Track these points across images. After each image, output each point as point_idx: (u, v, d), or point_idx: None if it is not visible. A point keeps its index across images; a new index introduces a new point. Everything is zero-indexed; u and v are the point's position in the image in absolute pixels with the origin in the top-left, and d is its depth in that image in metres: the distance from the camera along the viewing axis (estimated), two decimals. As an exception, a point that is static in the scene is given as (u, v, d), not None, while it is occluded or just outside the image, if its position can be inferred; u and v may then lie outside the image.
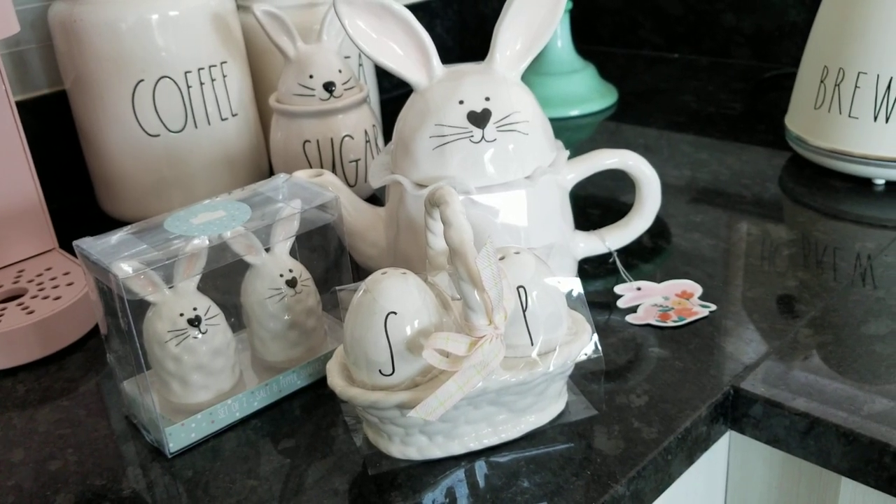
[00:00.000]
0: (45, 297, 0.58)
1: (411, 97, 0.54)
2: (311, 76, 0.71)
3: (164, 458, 0.46)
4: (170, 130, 0.72)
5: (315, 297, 0.51)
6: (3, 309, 0.57)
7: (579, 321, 0.45)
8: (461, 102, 0.51)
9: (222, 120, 0.75)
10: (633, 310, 0.55)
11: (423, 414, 0.39)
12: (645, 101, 0.99)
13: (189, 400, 0.47)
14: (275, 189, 0.53)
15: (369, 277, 0.43)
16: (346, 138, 0.72)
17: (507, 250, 0.44)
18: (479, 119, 0.50)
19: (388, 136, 0.77)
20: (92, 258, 0.45)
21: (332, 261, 0.55)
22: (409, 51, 0.52)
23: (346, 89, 0.72)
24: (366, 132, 0.73)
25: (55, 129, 0.81)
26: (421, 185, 0.52)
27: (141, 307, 0.46)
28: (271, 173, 0.83)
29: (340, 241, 0.53)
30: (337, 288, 0.44)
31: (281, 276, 0.50)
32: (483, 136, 0.50)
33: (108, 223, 0.77)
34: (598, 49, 1.21)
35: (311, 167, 0.72)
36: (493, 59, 0.53)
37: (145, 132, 0.72)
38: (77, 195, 0.82)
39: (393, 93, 1.09)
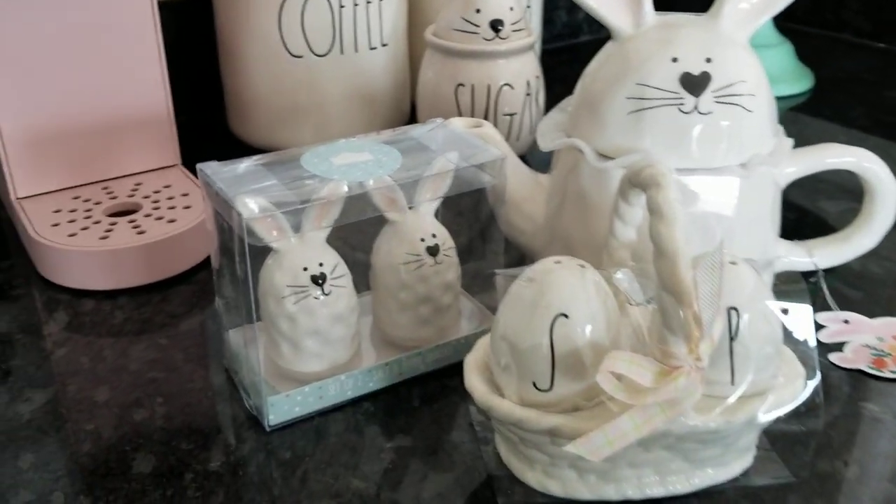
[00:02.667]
0: (159, 219, 0.52)
1: (608, 47, 0.44)
2: (477, 10, 0.62)
3: (262, 431, 0.39)
4: (314, 53, 0.65)
5: (456, 271, 0.43)
6: (114, 224, 0.52)
7: (789, 358, 0.36)
8: (674, 60, 0.41)
9: (371, 49, 0.67)
10: (838, 347, 0.45)
11: (584, 451, 0.31)
12: (845, 92, 0.85)
13: (299, 367, 0.40)
14: (428, 135, 0.44)
15: (538, 265, 0.34)
16: (505, 87, 0.63)
17: (720, 257, 0.34)
18: (695, 84, 0.40)
19: (549, 94, 0.67)
20: (215, 186, 0.38)
21: (478, 230, 0.46)
22: (616, -13, 0.42)
23: (513, 31, 0.63)
24: (528, 83, 0.64)
25: (194, 37, 0.75)
26: (605, 156, 0.42)
27: (261, 251, 0.39)
28: (412, 116, 0.75)
29: (493, 209, 0.45)
30: (497, 271, 0.35)
31: (422, 240, 0.42)
32: (696, 107, 0.40)
33: (234, 145, 0.71)
34: (789, 26, 1.06)
35: (460, 115, 0.64)
36: (719, 11, 0.42)
37: (289, 52, 0.65)
38: (206, 111, 0.77)
39: (553, 44, 0.99)
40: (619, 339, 0.33)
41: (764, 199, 0.44)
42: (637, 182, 0.34)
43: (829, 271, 0.50)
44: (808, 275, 0.49)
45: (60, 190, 0.56)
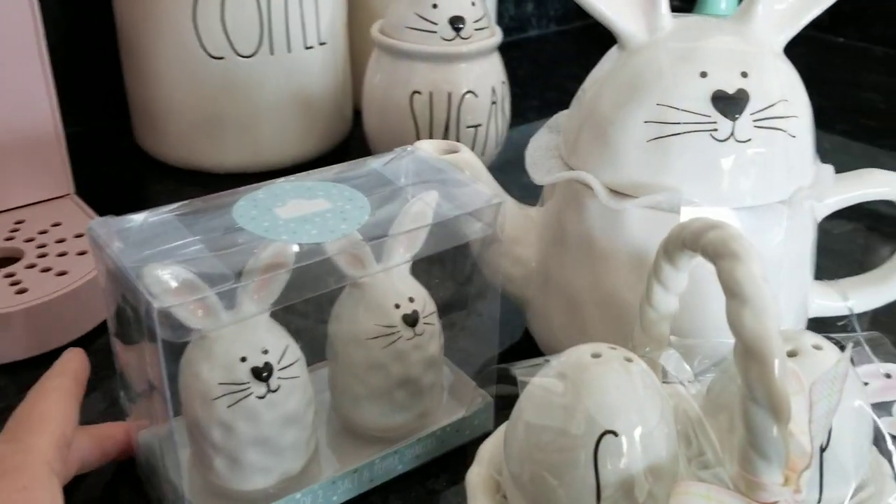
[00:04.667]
0: (46, 270, 0.41)
1: (614, 57, 0.36)
2: (434, 5, 0.53)
3: (190, 571, 0.30)
4: (238, 54, 0.55)
5: (439, 342, 0.34)
6: (-13, 278, 0.41)
7: (874, 461, 0.28)
8: (703, 75, 0.33)
9: (306, 48, 0.57)
10: (886, 410, 0.38)
11: None
12: (813, 91, 0.80)
13: (238, 485, 0.31)
14: (394, 167, 0.35)
15: (569, 357, 0.26)
16: (468, 95, 0.54)
17: (799, 339, 0.26)
18: (731, 105, 0.32)
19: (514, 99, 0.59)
20: (114, 259, 0.27)
21: (460, 283, 0.38)
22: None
23: (476, 30, 0.54)
24: (493, 90, 0.55)
25: (88, 33, 0.63)
26: (617, 192, 0.34)
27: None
28: (356, 124, 0.65)
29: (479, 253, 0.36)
30: (516, 369, 0.26)
31: (397, 307, 0.32)
32: (732, 132, 0.32)
33: (142, 163, 0.60)
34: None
35: (416, 126, 0.55)
36: (750, 13, 0.35)
37: (206, 52, 0.54)
38: (106, 121, 0.65)
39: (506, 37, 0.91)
40: (678, 456, 0.25)
41: (806, 237, 0.36)
42: (695, 245, 0.25)
43: (859, 315, 0.43)
44: (835, 319, 0.42)
45: (-83, 231, 0.44)
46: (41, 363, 0.39)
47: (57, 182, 0.48)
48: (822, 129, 0.35)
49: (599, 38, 0.39)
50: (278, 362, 0.29)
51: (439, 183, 0.34)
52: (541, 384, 0.25)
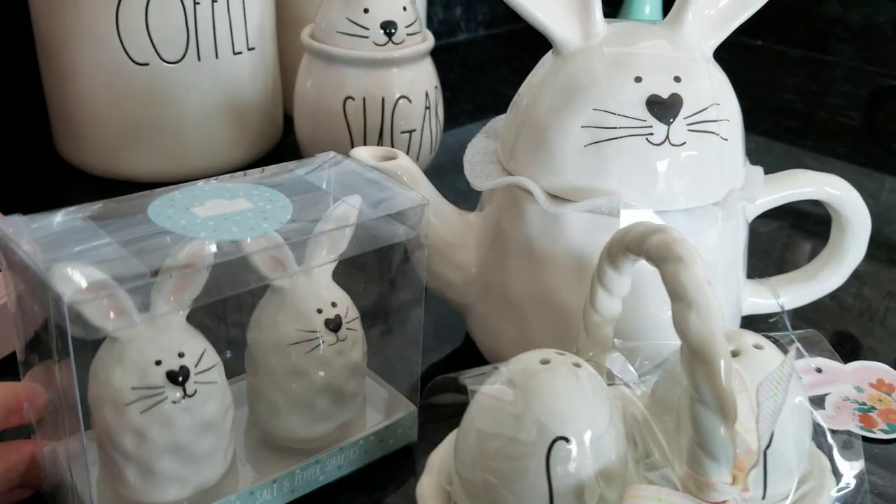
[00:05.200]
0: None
1: (549, 62, 0.36)
2: (365, 10, 0.52)
3: None
4: (163, 60, 0.53)
5: (362, 348, 0.34)
6: None
7: (813, 454, 0.29)
8: (638, 80, 0.33)
9: (235, 54, 0.56)
10: (819, 403, 0.39)
11: None
12: (736, 93, 0.82)
13: (150, 497, 0.29)
14: (318, 172, 0.35)
15: (517, 364, 0.26)
16: (402, 100, 0.54)
17: (740, 339, 0.27)
18: (665, 109, 0.33)
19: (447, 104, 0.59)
20: (20, 254, 0.26)
21: (386, 286, 0.37)
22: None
23: (408, 34, 0.54)
24: (427, 95, 0.55)
25: (4, 38, 0.60)
26: (556, 197, 0.34)
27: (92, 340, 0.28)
28: (286, 131, 0.64)
29: (405, 258, 0.36)
30: (465, 378, 0.26)
31: (319, 311, 0.32)
32: (667, 136, 0.33)
33: (63, 174, 0.58)
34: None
35: (349, 132, 0.54)
36: (680, 19, 0.35)
37: (130, 58, 0.52)
38: (22, 127, 0.62)
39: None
40: (627, 459, 0.25)
41: (739, 238, 0.37)
42: (638, 249, 0.26)
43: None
44: (765, 316, 0.43)
45: None
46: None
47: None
48: (745, 130, 0.36)
49: (528, 42, 0.39)
50: (195, 366, 0.28)
51: (364, 186, 0.33)
52: (490, 392, 0.25)
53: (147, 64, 0.53)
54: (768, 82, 0.86)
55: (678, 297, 0.23)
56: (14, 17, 0.59)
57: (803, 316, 0.46)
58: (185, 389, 0.28)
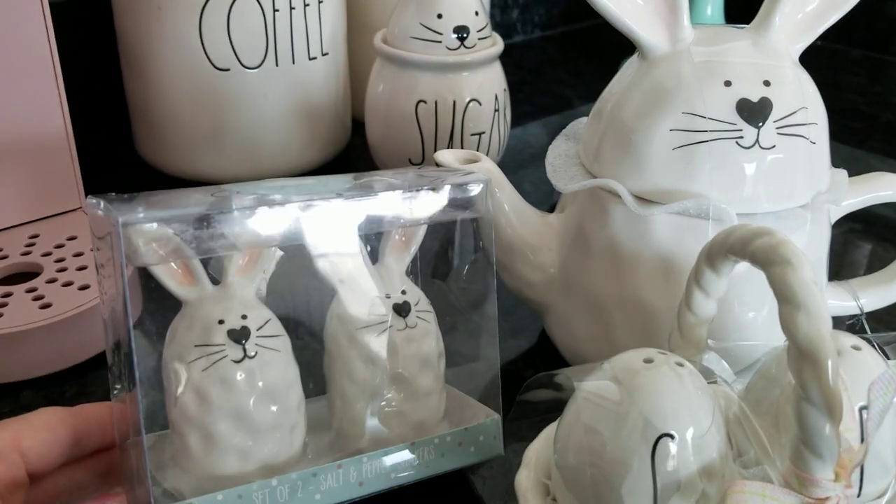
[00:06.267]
0: (68, 284, 0.41)
1: (635, 66, 0.37)
2: (439, 15, 0.53)
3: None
4: (244, 66, 0.55)
5: (436, 341, 0.34)
6: (8, 295, 0.40)
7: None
8: (727, 84, 0.34)
9: (310, 59, 0.57)
10: (899, 406, 0.39)
11: None
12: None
13: (210, 469, 0.29)
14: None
15: (619, 362, 0.26)
16: (473, 103, 0.55)
17: (838, 340, 0.27)
18: (755, 113, 0.33)
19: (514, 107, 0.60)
20: (103, 211, 0.28)
21: (458, 288, 0.37)
22: (650, -3, 0.35)
23: (479, 39, 0.55)
24: (496, 98, 0.56)
25: (88, 42, 0.63)
26: (643, 199, 0.35)
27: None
28: (354, 133, 0.66)
29: (485, 255, 0.36)
30: (568, 373, 0.27)
31: (387, 296, 0.33)
32: (757, 140, 0.33)
33: (144, 174, 0.60)
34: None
35: (420, 135, 0.55)
36: (768, 21, 0.36)
37: (212, 64, 0.54)
38: (105, 132, 0.64)
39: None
40: (728, 456, 0.26)
41: (823, 241, 0.38)
42: (742, 252, 0.26)
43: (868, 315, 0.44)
44: (843, 318, 0.43)
45: (-72, 247, 0.44)
46: (67, 378, 0.40)
47: (69, 195, 0.48)
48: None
49: (583, 44, 0.40)
50: (257, 329, 0.29)
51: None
52: (594, 389, 0.26)
53: (228, 69, 0.54)
54: (830, 83, 0.85)
55: (786, 299, 0.24)
56: (97, 21, 0.61)
57: (879, 318, 0.46)
58: (245, 349, 0.29)
